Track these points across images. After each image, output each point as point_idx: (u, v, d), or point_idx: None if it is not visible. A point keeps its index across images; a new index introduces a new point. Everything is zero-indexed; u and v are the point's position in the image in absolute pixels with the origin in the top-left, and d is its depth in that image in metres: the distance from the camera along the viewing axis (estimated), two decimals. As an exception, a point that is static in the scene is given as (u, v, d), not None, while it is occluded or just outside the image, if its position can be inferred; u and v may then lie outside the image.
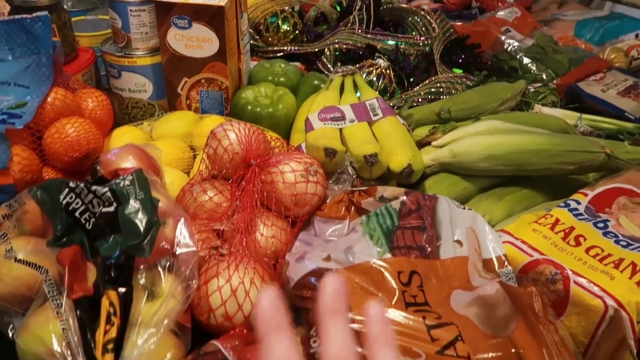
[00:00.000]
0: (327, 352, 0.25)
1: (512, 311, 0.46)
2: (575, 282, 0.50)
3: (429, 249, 0.52)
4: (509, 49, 1.16)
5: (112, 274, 0.46)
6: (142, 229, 0.48)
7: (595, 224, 0.56)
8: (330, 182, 0.64)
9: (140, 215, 0.48)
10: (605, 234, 0.55)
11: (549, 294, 0.52)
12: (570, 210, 0.58)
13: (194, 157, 0.76)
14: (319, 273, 0.50)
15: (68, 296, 0.45)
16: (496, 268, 0.54)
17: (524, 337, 0.45)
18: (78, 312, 0.44)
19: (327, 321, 0.25)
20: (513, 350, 0.44)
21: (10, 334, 0.49)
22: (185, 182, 0.67)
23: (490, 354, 0.43)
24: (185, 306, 0.48)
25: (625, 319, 0.48)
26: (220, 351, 0.45)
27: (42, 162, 0.64)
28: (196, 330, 0.51)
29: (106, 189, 0.49)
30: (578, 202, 0.60)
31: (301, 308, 0.50)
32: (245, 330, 0.49)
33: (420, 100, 0.94)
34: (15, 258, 0.49)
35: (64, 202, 0.50)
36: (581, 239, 0.55)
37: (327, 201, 0.63)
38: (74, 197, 0.50)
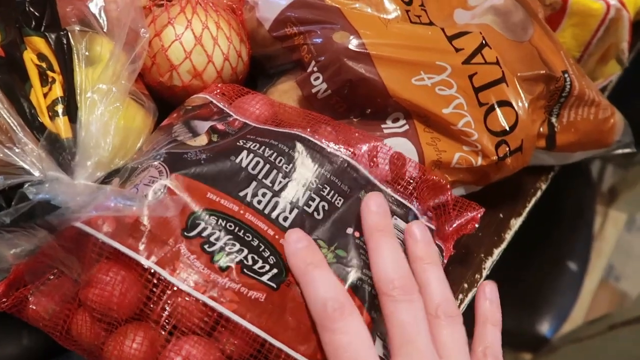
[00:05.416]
0: (384, 271, 0.27)
1: (527, 16, 0.41)
2: (575, -12, 0.46)
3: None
4: None
5: (30, 17, 0.32)
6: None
7: None
8: None
9: None
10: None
11: (544, 10, 0.48)
12: None
13: None
14: (301, 3, 0.40)
15: (-30, 57, 0.31)
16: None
17: (542, 40, 0.41)
18: (-5, 76, 0.31)
19: (377, 239, 0.28)
20: (536, 52, 0.40)
21: None
22: None
23: (516, 56, 0.39)
24: (140, 63, 0.37)
25: (626, 17, 0.46)
26: (212, 102, 0.35)
27: None
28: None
29: None
30: None
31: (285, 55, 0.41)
32: (224, 86, 0.39)
33: None
34: None
35: None
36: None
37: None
38: None
